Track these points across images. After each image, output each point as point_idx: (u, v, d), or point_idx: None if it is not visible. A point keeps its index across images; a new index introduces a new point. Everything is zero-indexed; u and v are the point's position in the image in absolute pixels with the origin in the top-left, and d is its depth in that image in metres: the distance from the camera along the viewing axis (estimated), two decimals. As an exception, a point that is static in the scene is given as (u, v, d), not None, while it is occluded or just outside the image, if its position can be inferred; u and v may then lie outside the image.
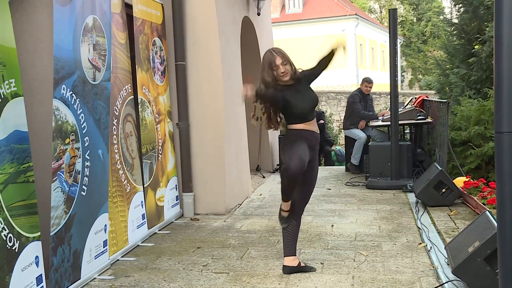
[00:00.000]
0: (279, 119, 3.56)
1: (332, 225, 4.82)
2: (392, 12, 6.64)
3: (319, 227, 4.80)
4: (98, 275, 3.67)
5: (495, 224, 2.93)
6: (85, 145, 3.51)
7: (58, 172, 3.20)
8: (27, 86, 3.57)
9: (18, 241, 2.85)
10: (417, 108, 7.65)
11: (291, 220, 3.57)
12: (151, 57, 4.93)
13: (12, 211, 2.82)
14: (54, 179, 3.16)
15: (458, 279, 3.21)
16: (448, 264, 3.57)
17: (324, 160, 10.03)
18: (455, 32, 9.02)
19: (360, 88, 8.15)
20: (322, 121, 9.06)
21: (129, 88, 4.44)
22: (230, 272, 3.69)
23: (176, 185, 5.40)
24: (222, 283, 3.48)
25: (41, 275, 3.06)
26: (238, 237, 4.58)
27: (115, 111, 4.13)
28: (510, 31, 1.87)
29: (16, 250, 2.84)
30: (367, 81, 8.05)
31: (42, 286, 3.07)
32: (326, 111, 14.36)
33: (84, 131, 3.49)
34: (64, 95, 3.27)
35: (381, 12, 40.50)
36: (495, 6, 1.92)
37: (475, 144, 6.19)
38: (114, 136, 4.09)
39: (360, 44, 31.58)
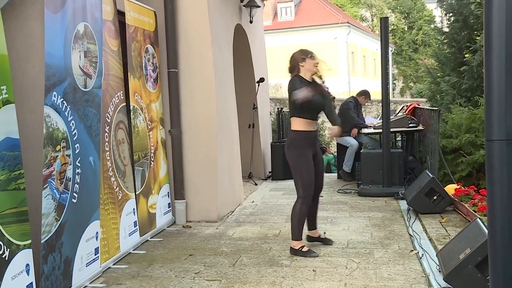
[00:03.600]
0: None
1: (324, 232, 4.82)
2: (384, 21, 6.70)
3: (311, 235, 4.80)
4: (90, 283, 3.65)
5: (486, 231, 2.95)
6: (76, 152, 3.50)
7: (49, 179, 3.18)
8: (18, 93, 3.55)
9: (8, 249, 2.83)
10: (409, 116, 7.70)
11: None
12: (143, 64, 4.93)
13: (2, 218, 2.80)
14: (45, 186, 3.14)
15: (450, 286, 3.22)
16: (439, 271, 3.58)
17: None
18: (446, 40, 9.11)
19: (355, 97, 8.21)
20: None
21: (121, 95, 4.43)
22: (222, 279, 3.68)
23: (168, 192, 5.39)
24: (214, 290, 3.47)
25: (31, 283, 3.03)
26: (231, 245, 4.57)
27: (107, 118, 4.12)
28: (499, 40, 1.89)
29: (6, 258, 2.82)
30: (368, 96, 8.17)
31: (33, 294, 3.04)
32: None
33: (75, 138, 3.48)
34: (55, 102, 3.26)
35: (372, 20, 40.82)
36: (485, 15, 1.94)
37: (466, 152, 6.23)
38: (106, 143, 4.08)
39: (352, 52, 31.78)
